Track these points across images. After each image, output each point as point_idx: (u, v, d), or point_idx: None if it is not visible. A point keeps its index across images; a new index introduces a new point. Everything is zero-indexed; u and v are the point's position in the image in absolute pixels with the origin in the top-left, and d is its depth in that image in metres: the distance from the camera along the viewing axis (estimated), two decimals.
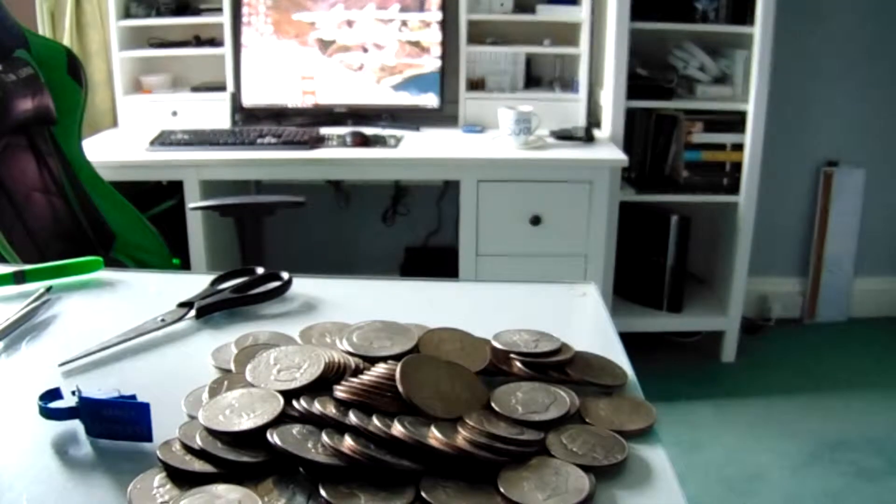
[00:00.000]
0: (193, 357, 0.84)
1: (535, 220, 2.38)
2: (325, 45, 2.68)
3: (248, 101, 2.68)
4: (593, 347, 0.83)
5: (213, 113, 2.67)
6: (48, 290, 0.99)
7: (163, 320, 0.91)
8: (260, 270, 1.02)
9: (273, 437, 0.63)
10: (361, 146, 2.40)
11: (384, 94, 2.69)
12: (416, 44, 2.67)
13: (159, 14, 2.71)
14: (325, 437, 0.63)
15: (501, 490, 0.61)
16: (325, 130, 2.50)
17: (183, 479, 0.61)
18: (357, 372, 0.73)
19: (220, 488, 0.59)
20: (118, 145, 2.48)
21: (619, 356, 0.84)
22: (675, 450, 2.31)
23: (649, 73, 2.72)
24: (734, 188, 2.72)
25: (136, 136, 2.51)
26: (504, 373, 0.78)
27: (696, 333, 2.96)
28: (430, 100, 2.67)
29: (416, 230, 3.08)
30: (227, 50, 2.67)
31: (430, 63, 2.67)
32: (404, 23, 2.67)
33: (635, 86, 2.64)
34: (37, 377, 0.79)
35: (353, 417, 0.65)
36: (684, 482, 0.64)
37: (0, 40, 1.80)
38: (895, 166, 3.13)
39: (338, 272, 1.11)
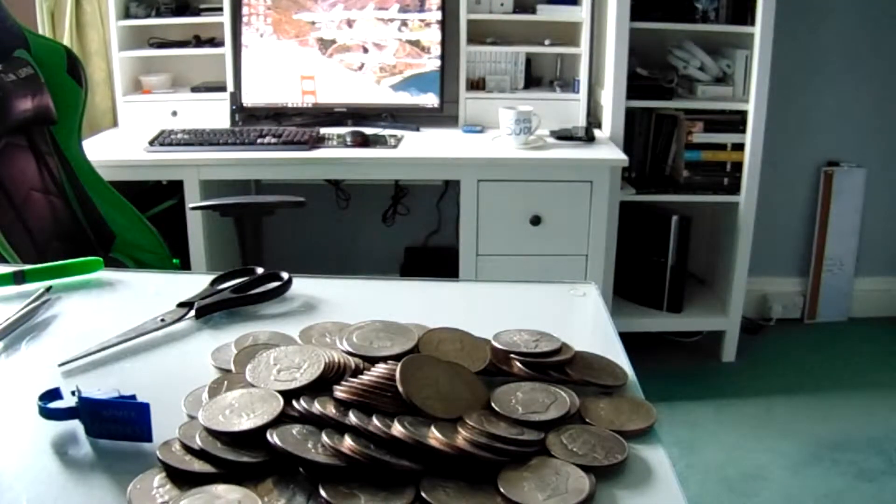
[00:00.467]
0: (193, 357, 0.84)
1: (536, 220, 2.38)
2: (325, 44, 2.68)
3: (248, 100, 2.68)
4: (593, 347, 0.83)
5: (213, 113, 2.67)
6: (48, 290, 0.99)
7: (163, 320, 0.91)
8: (260, 270, 1.02)
9: (273, 438, 0.63)
10: (361, 146, 2.40)
11: (384, 94, 2.69)
12: (416, 43, 2.67)
13: (159, 14, 2.71)
14: (325, 437, 0.63)
15: (501, 490, 0.61)
16: (325, 130, 2.50)
17: (183, 480, 0.61)
18: (357, 372, 0.73)
19: (220, 488, 0.59)
20: (118, 145, 2.48)
21: (619, 356, 0.84)
22: (675, 450, 2.32)
23: (649, 72, 2.72)
24: (734, 188, 2.72)
25: (136, 136, 2.50)
26: (504, 373, 0.78)
27: (696, 333, 2.96)
28: (430, 100, 2.67)
29: (416, 230, 3.08)
30: (227, 50, 2.67)
31: (430, 63, 2.67)
32: (404, 23, 2.67)
33: (635, 86, 2.64)
34: (37, 377, 0.79)
35: (353, 417, 0.65)
36: (684, 482, 0.64)
37: (0, 40, 1.80)
38: (895, 166, 3.13)
39: (338, 272, 1.11)
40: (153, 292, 1.03)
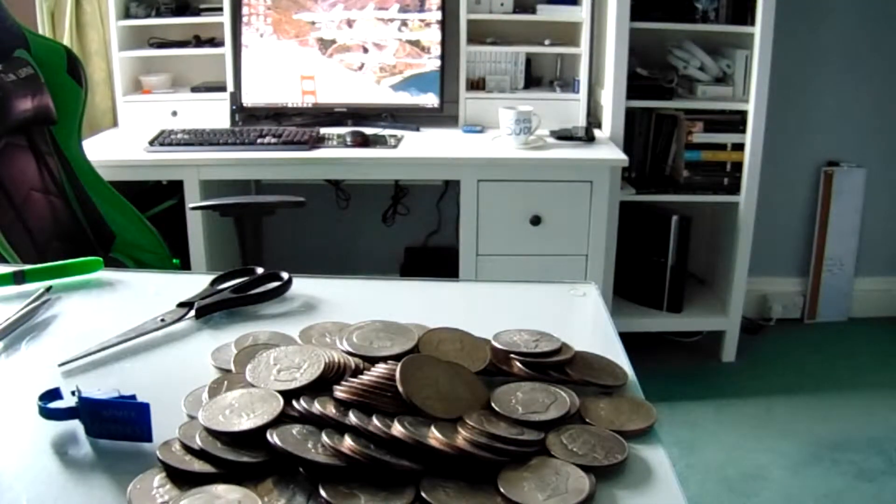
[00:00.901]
0: (193, 357, 0.84)
1: (536, 220, 2.38)
2: (325, 44, 2.68)
3: (248, 100, 2.68)
4: (593, 347, 0.83)
5: (213, 113, 2.67)
6: (48, 290, 0.99)
7: (163, 320, 0.91)
8: (260, 270, 1.02)
9: (273, 438, 0.63)
10: (361, 146, 2.40)
11: (384, 94, 2.69)
12: (416, 43, 2.67)
13: (159, 14, 2.71)
14: (325, 437, 0.63)
15: (501, 490, 0.61)
16: (325, 130, 2.50)
17: (183, 480, 0.61)
18: (357, 372, 0.73)
19: (220, 488, 0.59)
20: (118, 145, 2.48)
21: (619, 356, 0.84)
22: (675, 450, 2.32)
23: (649, 72, 2.72)
24: (734, 188, 2.72)
25: (135, 136, 2.50)
26: (504, 373, 0.78)
27: (696, 333, 2.96)
28: (430, 100, 2.67)
29: (416, 230, 3.08)
30: (227, 50, 2.67)
31: (430, 63, 2.67)
32: (404, 23, 2.67)
33: (635, 86, 2.64)
34: (37, 377, 0.79)
35: (353, 417, 0.65)
36: (684, 482, 0.64)
37: (0, 40, 1.80)
38: (895, 166, 3.13)
39: (338, 272, 1.11)
40: (153, 292, 1.03)
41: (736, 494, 2.17)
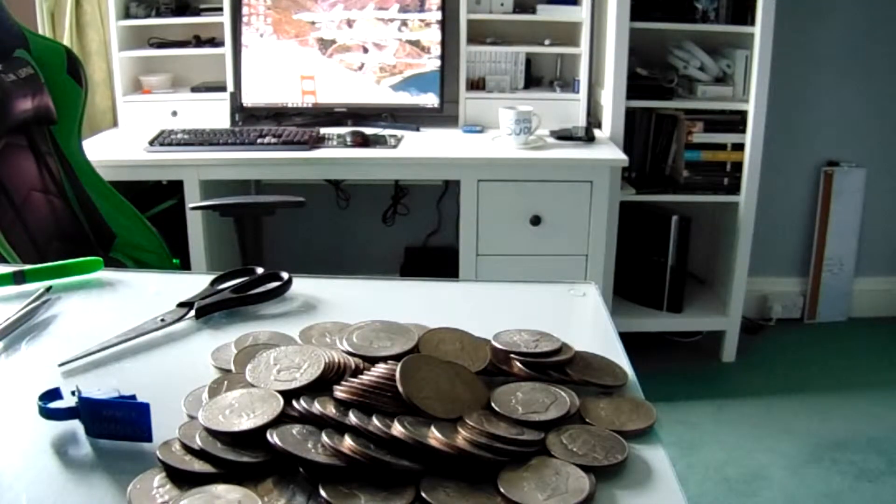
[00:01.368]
0: (193, 357, 0.84)
1: (536, 220, 2.38)
2: (325, 44, 2.68)
3: (248, 100, 2.68)
4: (593, 347, 0.83)
5: (213, 113, 2.66)
6: (48, 290, 0.99)
7: (163, 320, 0.91)
8: (260, 270, 1.02)
9: (273, 438, 0.63)
10: (361, 146, 2.40)
11: (384, 94, 2.69)
12: (416, 43, 2.67)
13: (159, 14, 2.71)
14: (325, 437, 0.63)
15: (501, 490, 0.61)
16: (325, 130, 2.50)
17: (183, 480, 0.61)
18: (357, 372, 0.73)
19: (220, 488, 0.59)
20: (118, 145, 2.48)
21: (619, 356, 0.84)
22: (675, 450, 2.32)
23: (649, 72, 2.72)
24: (734, 188, 2.72)
25: (135, 136, 2.50)
26: (504, 373, 0.78)
27: (696, 333, 2.96)
28: (430, 100, 2.67)
29: (416, 230, 3.08)
30: (227, 50, 2.67)
31: (430, 63, 2.67)
32: (404, 22, 2.67)
33: (635, 85, 2.64)
34: (37, 377, 0.79)
35: (353, 417, 0.65)
36: (684, 482, 0.64)
37: (0, 40, 1.80)
38: (895, 166, 3.13)
39: (338, 272, 1.11)
40: (153, 292, 1.03)
41: (736, 494, 2.17)
